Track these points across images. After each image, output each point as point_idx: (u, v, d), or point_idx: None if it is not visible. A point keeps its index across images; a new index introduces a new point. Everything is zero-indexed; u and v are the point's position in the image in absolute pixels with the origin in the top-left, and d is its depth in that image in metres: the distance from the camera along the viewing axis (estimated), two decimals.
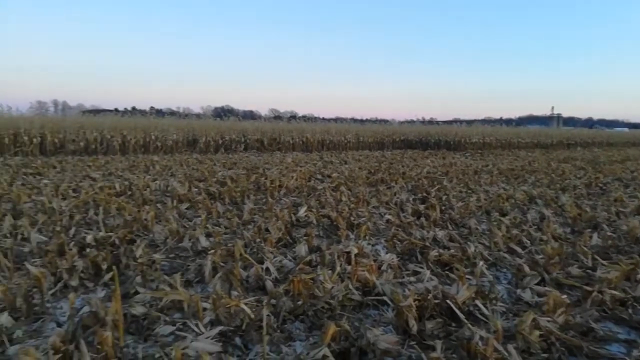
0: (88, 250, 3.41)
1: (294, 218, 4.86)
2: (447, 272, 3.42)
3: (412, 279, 3.19)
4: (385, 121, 31.24)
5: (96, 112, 23.79)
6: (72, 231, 4.17)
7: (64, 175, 8.19)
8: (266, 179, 7.84)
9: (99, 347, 1.98)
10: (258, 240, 3.92)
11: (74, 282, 3.08)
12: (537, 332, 2.27)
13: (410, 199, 6.36)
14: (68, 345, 1.96)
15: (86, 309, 2.56)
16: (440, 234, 4.26)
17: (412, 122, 32.37)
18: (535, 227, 4.83)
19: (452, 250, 3.79)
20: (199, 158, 13.14)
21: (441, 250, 3.73)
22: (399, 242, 4.02)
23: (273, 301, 2.60)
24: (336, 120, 29.86)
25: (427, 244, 3.91)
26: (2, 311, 2.52)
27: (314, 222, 4.78)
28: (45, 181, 7.31)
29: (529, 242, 4.19)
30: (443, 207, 5.68)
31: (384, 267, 3.25)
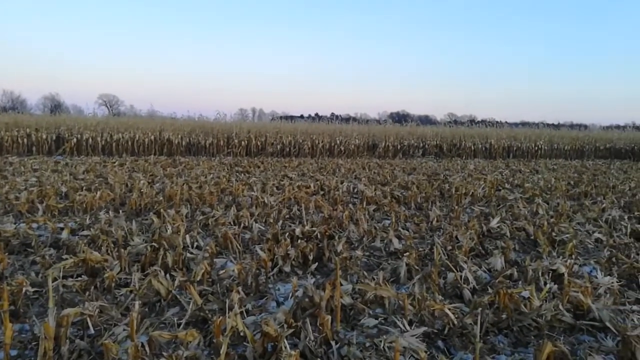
0: (298, 241, 3.86)
1: (484, 228, 4.68)
2: None
3: (635, 307, 2.81)
4: (582, 126, 27.28)
5: (287, 118, 26.49)
6: (280, 223, 4.79)
7: (267, 174, 9.39)
8: (449, 185, 7.68)
9: (320, 327, 2.25)
10: (449, 247, 3.90)
11: (287, 268, 3.54)
12: None
13: (625, 217, 5.48)
14: (296, 322, 2.28)
15: (298, 293, 2.92)
16: None
17: (619, 127, 27.52)
18: None
19: None
20: (378, 162, 13.58)
21: None
22: (615, 266, 3.53)
23: (474, 311, 2.57)
24: (522, 124, 27.37)
25: None
26: (238, 285, 3.04)
27: (508, 234, 4.52)
28: (254, 179, 8.49)
29: None
30: None
31: (600, 291, 2.91)
